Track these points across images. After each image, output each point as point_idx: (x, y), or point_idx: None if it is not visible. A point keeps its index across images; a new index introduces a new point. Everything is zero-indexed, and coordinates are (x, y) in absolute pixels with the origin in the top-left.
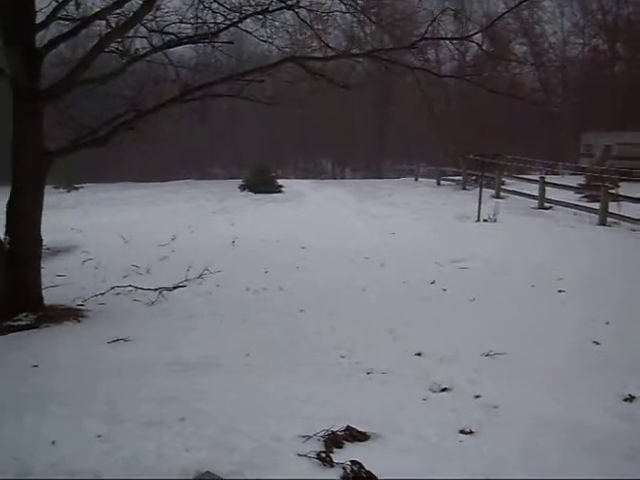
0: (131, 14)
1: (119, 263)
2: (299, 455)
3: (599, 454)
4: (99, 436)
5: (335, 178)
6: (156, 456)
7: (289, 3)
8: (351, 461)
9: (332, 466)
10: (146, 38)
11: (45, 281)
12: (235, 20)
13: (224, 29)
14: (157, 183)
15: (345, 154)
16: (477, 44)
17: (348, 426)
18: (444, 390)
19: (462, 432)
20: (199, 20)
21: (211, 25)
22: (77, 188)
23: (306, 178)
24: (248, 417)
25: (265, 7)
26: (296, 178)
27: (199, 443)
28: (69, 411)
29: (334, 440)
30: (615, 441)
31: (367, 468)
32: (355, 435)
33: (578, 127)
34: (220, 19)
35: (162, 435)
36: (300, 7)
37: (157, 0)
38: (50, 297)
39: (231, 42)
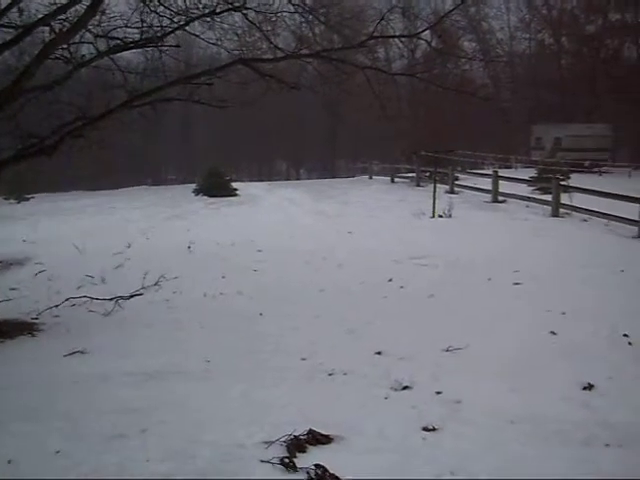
0: (75, 20)
1: (73, 274)
2: (262, 461)
3: (560, 443)
4: (58, 452)
5: (290, 179)
6: (118, 470)
7: (236, 5)
8: (315, 465)
9: (296, 471)
10: (92, 44)
11: None
12: (181, 23)
13: (170, 32)
14: (110, 191)
15: (299, 155)
16: (425, 41)
17: (310, 429)
18: (405, 388)
19: (425, 429)
20: (145, 24)
21: (157, 29)
22: (28, 199)
23: (261, 180)
24: (210, 425)
25: (212, 9)
26: (251, 181)
27: (161, 454)
28: (27, 428)
29: (297, 445)
30: (575, 429)
31: (331, 471)
32: (318, 438)
33: (528, 121)
34: (166, 22)
35: (124, 448)
36: (247, 9)
37: (102, 5)
38: (3, 311)
39: (178, 45)
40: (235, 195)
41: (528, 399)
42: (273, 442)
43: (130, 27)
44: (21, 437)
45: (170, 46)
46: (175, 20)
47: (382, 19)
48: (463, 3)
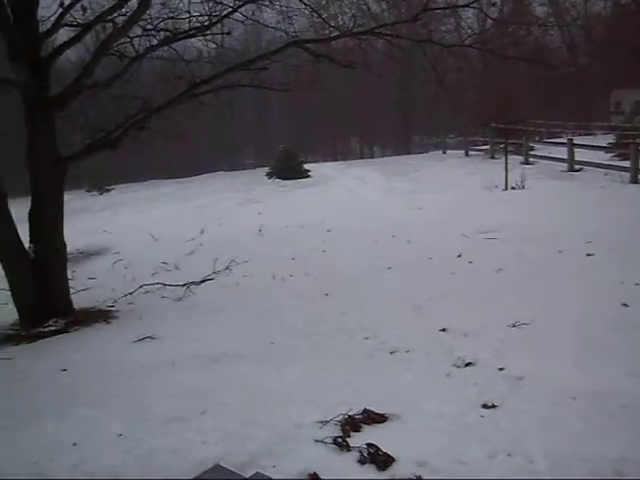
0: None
1: (148, 261)
2: (316, 441)
3: (624, 419)
4: (120, 435)
5: (364, 158)
6: (171, 452)
7: None
8: (367, 444)
9: (349, 450)
10: (148, 37)
11: (77, 284)
12: (229, 10)
13: (217, 21)
14: (187, 178)
15: (373, 133)
16: (480, 10)
17: (365, 409)
18: (468, 365)
19: (484, 406)
20: (192, 14)
21: (205, 18)
22: (109, 190)
23: (335, 160)
24: (268, 406)
25: None
26: (325, 161)
27: (216, 436)
28: (93, 412)
29: (351, 424)
30: None
31: (384, 450)
32: (373, 417)
33: (607, 85)
34: (214, 10)
35: (182, 430)
36: None
37: None
38: (81, 300)
39: (229, 33)
40: (307, 177)
41: (593, 375)
42: (328, 422)
43: (178, 18)
44: (87, 421)
45: (220, 34)
46: (221, 8)
47: None
48: None
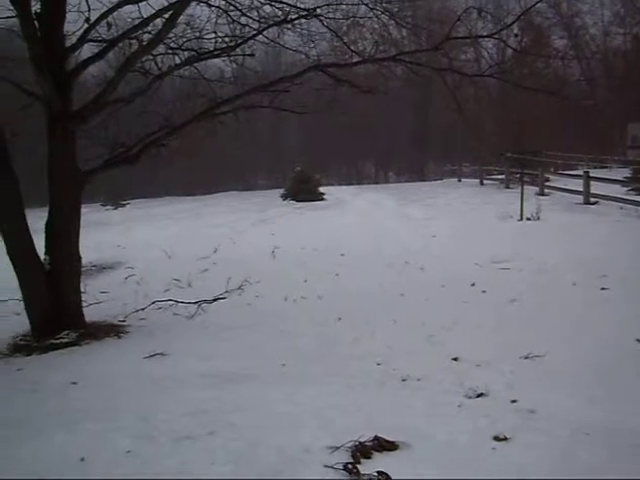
0: (155, 32)
1: (161, 277)
2: (325, 466)
3: (637, 458)
4: (128, 452)
5: (378, 182)
6: (178, 472)
7: (305, 13)
8: (377, 472)
9: (359, 477)
10: (171, 54)
11: (89, 298)
12: (253, 33)
13: (242, 43)
14: (201, 196)
15: (388, 158)
16: (503, 41)
17: (376, 436)
18: (480, 395)
19: (496, 438)
20: (218, 34)
21: (230, 39)
22: (124, 205)
23: (350, 184)
24: (278, 429)
25: (284, 17)
26: (340, 184)
27: (224, 457)
28: (101, 427)
29: (362, 450)
30: None
31: (394, 478)
32: (384, 445)
33: (624, 119)
34: (239, 32)
35: (190, 449)
36: (316, 16)
37: (178, 18)
38: (93, 314)
39: (252, 54)
40: (322, 199)
41: (607, 410)
42: (338, 447)
43: (204, 38)
44: (95, 436)
45: (244, 55)
46: (246, 30)
47: (458, 20)
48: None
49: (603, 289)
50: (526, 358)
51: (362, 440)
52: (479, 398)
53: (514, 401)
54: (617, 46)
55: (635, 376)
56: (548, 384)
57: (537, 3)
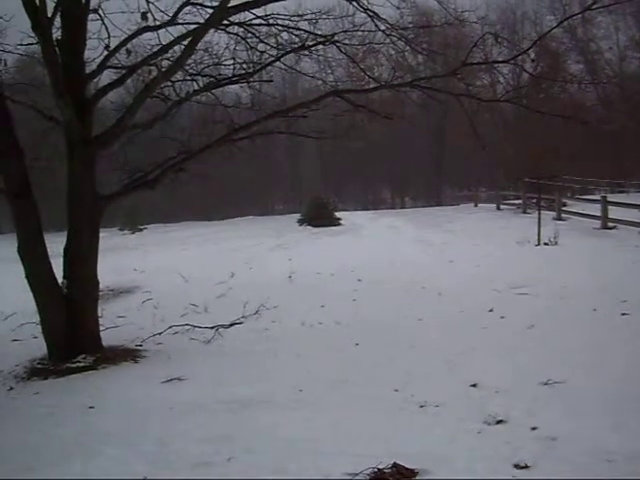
0: (174, 59)
1: (178, 302)
2: None
3: None
4: (145, 478)
5: (395, 208)
6: None
7: (323, 40)
8: None
9: None
10: (193, 81)
11: (106, 322)
12: (271, 59)
13: (260, 69)
14: (218, 221)
15: (404, 183)
16: (520, 67)
17: (395, 463)
18: (499, 422)
19: (516, 466)
20: (237, 61)
21: (249, 65)
22: (141, 229)
23: (366, 209)
24: (296, 455)
25: (302, 44)
26: (356, 209)
27: None
28: (118, 452)
29: (381, 477)
30: None
31: None
32: (402, 472)
33: None
34: (258, 58)
35: (207, 475)
36: (334, 42)
37: (198, 44)
38: (110, 338)
39: (270, 80)
40: (339, 224)
41: (629, 436)
42: (357, 474)
43: (223, 65)
44: (112, 460)
45: (261, 81)
46: (264, 57)
47: (474, 46)
48: (558, 25)
49: (624, 314)
50: (546, 384)
51: (381, 467)
52: (498, 425)
53: (534, 428)
54: (633, 71)
55: None
56: (569, 411)
57: (554, 28)
